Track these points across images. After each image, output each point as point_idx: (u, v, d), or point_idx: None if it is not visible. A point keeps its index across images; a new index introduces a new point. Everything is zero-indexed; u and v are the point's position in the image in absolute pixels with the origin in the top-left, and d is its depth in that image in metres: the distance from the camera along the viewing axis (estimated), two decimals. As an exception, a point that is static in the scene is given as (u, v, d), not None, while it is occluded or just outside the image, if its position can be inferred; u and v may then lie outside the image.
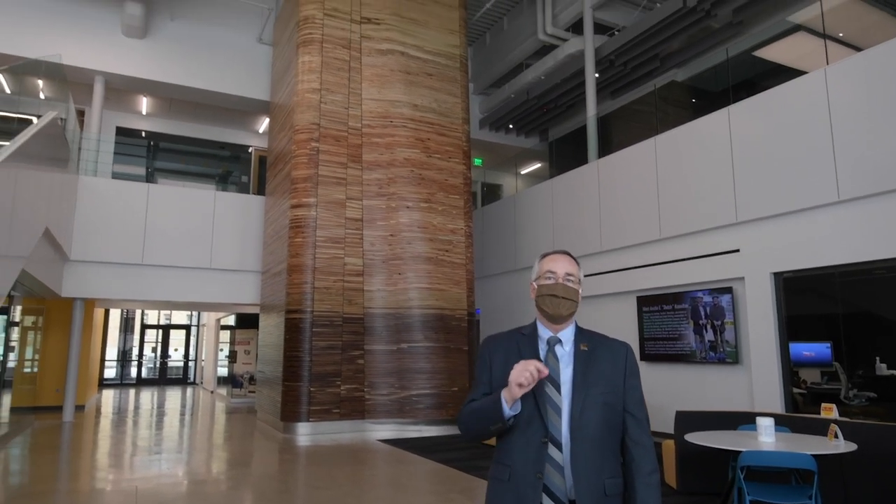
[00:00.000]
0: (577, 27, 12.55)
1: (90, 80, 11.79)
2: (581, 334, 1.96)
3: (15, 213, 6.20)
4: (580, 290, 1.95)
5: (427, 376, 9.83)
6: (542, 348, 1.93)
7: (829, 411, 5.17)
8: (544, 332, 1.95)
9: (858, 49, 8.08)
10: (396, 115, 10.41)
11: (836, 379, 7.60)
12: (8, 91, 7.74)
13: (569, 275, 1.93)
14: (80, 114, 12.68)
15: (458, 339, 10.23)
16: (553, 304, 1.90)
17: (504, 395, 1.78)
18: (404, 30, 10.74)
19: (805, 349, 8.16)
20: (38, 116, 8.13)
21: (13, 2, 10.96)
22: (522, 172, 15.85)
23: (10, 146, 6.17)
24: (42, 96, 9.20)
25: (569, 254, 2.00)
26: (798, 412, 6.95)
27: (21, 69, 8.38)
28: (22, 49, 10.57)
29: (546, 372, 1.74)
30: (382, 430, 9.55)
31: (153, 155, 15.38)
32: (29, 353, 11.01)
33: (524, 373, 1.71)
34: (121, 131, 14.36)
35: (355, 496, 5.96)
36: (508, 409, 1.78)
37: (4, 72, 7.67)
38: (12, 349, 9.15)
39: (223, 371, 17.26)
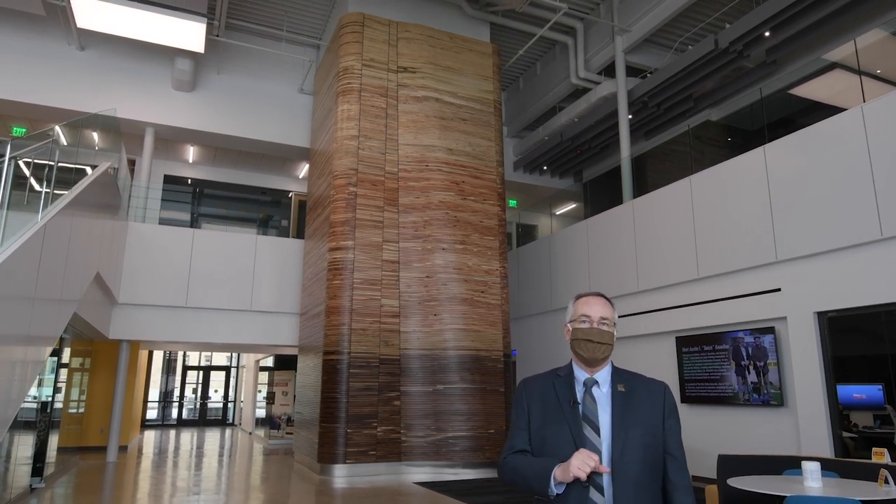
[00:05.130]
0: (609, 70, 12.73)
1: (141, 132, 12.40)
2: (618, 375, 1.97)
3: (70, 258, 6.52)
4: (615, 333, 1.96)
5: (463, 418, 9.76)
6: (580, 390, 1.94)
7: (880, 456, 4.98)
8: (580, 374, 1.96)
9: (896, 85, 8.01)
10: (432, 160, 10.64)
11: (890, 422, 7.29)
12: (66, 143, 8.20)
13: (603, 318, 1.94)
14: (131, 163, 13.30)
15: (494, 380, 10.17)
16: (589, 349, 1.92)
17: (556, 473, 1.77)
18: (439, 77, 11.06)
19: (855, 391, 7.86)
20: (93, 166, 8.58)
21: (74, 61, 11.71)
22: (557, 213, 15.91)
23: (66, 196, 6.53)
24: (97, 148, 9.71)
25: (603, 296, 2.01)
26: (849, 457, 6.68)
27: (79, 123, 8.89)
28: (80, 104, 11.25)
29: (606, 470, 1.75)
30: (419, 473, 9.47)
31: (198, 201, 15.96)
32: (75, 394, 11.32)
33: (584, 466, 1.72)
34: (168, 179, 14.98)
35: (392, 539, 5.92)
36: (555, 489, 1.79)
37: (65, 126, 8.15)
38: (60, 390, 9.43)
39: (261, 412, 17.39)
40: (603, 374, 1.96)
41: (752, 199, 8.01)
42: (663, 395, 1.94)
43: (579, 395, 1.93)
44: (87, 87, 11.66)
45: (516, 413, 2.02)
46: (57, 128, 7.09)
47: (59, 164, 6.49)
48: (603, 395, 1.92)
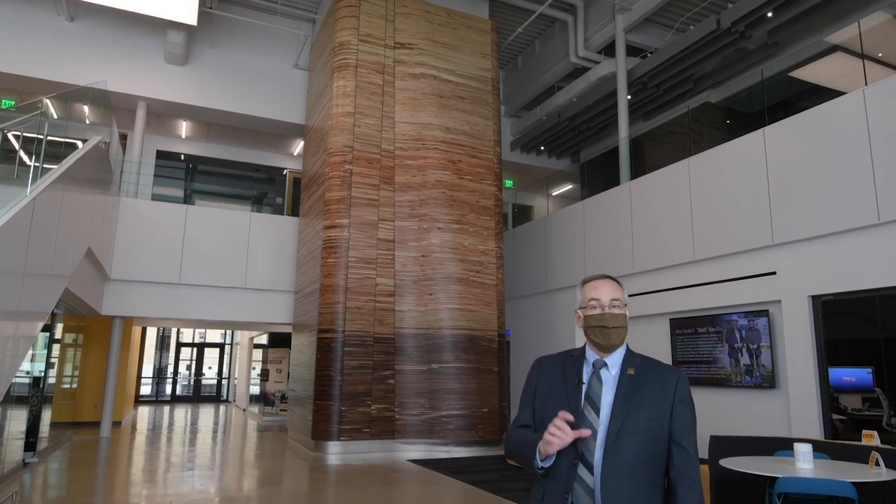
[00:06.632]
0: (609, 50, 12.59)
1: (133, 106, 12.22)
2: (630, 358, 1.92)
3: (60, 233, 6.44)
4: (627, 313, 1.92)
5: (457, 397, 9.80)
6: (588, 371, 1.91)
7: (871, 438, 5.00)
8: (591, 356, 1.93)
9: (897, 68, 7.94)
10: (428, 138, 10.54)
11: (878, 405, 7.35)
12: (56, 116, 8.07)
13: (614, 301, 1.89)
14: (123, 137, 13.14)
15: (488, 360, 10.20)
16: (604, 335, 1.88)
17: (540, 446, 1.77)
18: (437, 54, 10.91)
19: (845, 374, 7.91)
20: (84, 140, 8.45)
21: (64, 32, 11.49)
22: (554, 194, 15.84)
23: (56, 170, 6.43)
24: (88, 121, 9.56)
25: (611, 277, 1.96)
26: (838, 439, 6.74)
27: (69, 96, 8.73)
28: (71, 76, 11.05)
29: (587, 433, 1.74)
30: (412, 451, 9.53)
31: (191, 177, 15.81)
32: (69, 370, 11.30)
33: (554, 430, 1.73)
34: (161, 154, 14.81)
35: (384, 516, 5.95)
36: (541, 462, 1.79)
37: (53, 98, 8.01)
38: (53, 366, 9.41)
39: (255, 389, 17.45)
40: (615, 357, 1.91)
41: (750, 181, 7.97)
42: (676, 381, 1.87)
43: (586, 376, 1.90)
44: (77, 59, 11.45)
45: (525, 389, 2.03)
46: (46, 100, 6.96)
47: (49, 138, 6.39)
48: (611, 377, 1.89)
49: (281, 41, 13.07)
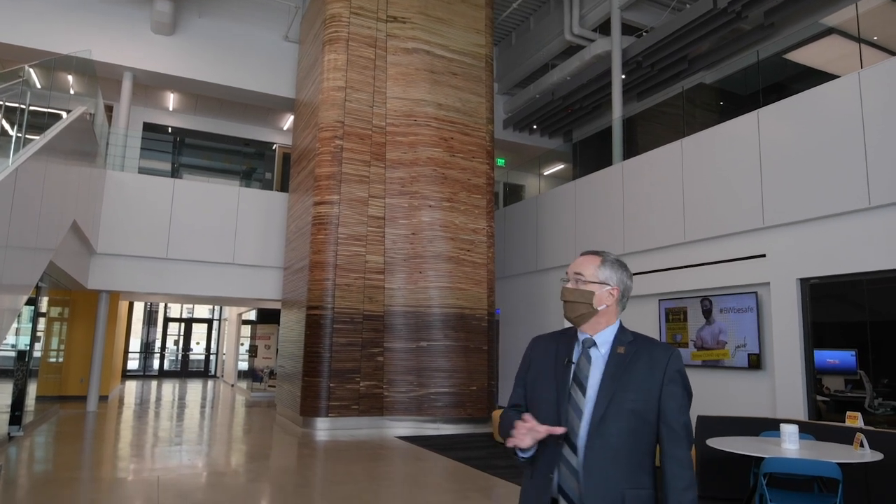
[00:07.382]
0: (604, 28, 12.45)
1: (119, 76, 11.97)
2: (622, 336, 1.86)
3: (44, 206, 6.32)
4: (596, 290, 1.84)
5: (446, 375, 9.83)
6: (577, 350, 1.87)
7: (855, 420, 5.07)
8: (582, 334, 1.89)
9: (893, 53, 7.91)
10: (420, 114, 10.42)
11: (861, 387, 7.44)
12: (39, 86, 7.88)
13: (576, 274, 1.87)
14: (109, 109, 12.89)
15: (477, 338, 10.21)
16: (564, 309, 1.90)
17: (514, 436, 1.77)
18: (430, 29, 10.74)
19: (829, 356, 8.00)
20: (68, 111, 8.27)
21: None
22: (545, 173, 15.78)
23: (39, 140, 6.29)
24: (72, 91, 9.35)
25: (592, 252, 1.93)
26: (821, 420, 6.83)
27: (52, 64, 8.52)
28: (53, 45, 10.76)
29: (561, 430, 1.72)
30: (400, 427, 9.57)
31: (179, 151, 15.59)
32: (55, 344, 11.21)
33: (518, 434, 1.73)
34: (148, 127, 14.57)
35: (373, 492, 5.98)
36: (521, 453, 1.80)
37: (36, 67, 7.81)
38: (38, 339, 9.32)
39: (244, 365, 17.42)
40: (605, 335, 1.86)
41: (742, 164, 7.95)
42: (667, 360, 1.80)
43: (576, 356, 1.86)
44: (61, 26, 11.14)
45: (520, 369, 2.02)
46: (28, 68, 6.78)
47: (32, 108, 6.23)
48: (601, 356, 1.83)
49: (271, 12, 12.80)
